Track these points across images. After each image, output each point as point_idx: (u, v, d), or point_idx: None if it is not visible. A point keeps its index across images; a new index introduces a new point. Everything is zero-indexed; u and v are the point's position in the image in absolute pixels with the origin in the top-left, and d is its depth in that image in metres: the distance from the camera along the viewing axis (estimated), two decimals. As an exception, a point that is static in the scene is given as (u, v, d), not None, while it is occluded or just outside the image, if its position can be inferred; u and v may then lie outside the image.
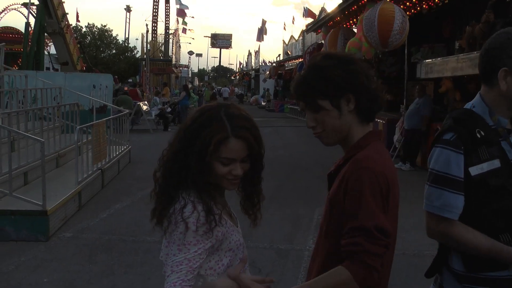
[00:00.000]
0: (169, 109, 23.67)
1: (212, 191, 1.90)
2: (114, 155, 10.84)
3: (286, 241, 6.51)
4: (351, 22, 16.26)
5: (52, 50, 24.91)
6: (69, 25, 21.97)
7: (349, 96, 1.96)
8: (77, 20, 29.74)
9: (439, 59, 12.27)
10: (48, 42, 25.32)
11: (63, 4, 20.94)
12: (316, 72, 1.99)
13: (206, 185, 1.86)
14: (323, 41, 17.65)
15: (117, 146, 11.46)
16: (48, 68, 27.96)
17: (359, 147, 1.99)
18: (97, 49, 50.52)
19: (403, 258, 6.00)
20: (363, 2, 13.03)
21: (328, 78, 1.95)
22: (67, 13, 21.34)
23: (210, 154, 1.81)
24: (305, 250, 6.18)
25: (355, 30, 15.53)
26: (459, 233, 2.05)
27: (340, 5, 15.14)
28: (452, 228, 2.06)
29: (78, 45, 24.32)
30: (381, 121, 14.16)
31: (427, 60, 12.86)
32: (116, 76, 28.88)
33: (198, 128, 1.86)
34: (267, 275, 5.12)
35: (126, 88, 31.01)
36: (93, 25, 52.56)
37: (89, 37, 50.74)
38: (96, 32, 51.80)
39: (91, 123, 9.49)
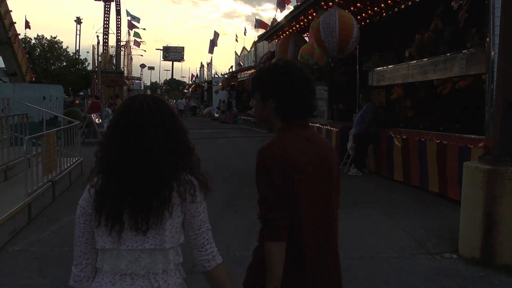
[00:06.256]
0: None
1: None
2: (65, 166, 10.57)
3: (242, 248, 6.42)
4: (302, 29, 16.38)
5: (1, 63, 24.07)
6: (16, 34, 21.40)
7: (270, 99, 2.57)
8: (27, 27, 28.90)
9: (390, 66, 12.50)
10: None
11: (11, 13, 20.42)
12: (260, 72, 2.70)
13: None
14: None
15: (68, 158, 11.20)
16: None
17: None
18: (47, 62, 49.46)
19: (360, 261, 6.03)
20: (312, 10, 13.21)
21: (263, 81, 2.63)
22: (15, 23, 20.80)
23: None
24: (261, 257, 6.12)
25: (306, 38, 15.68)
26: None
27: (291, 12, 15.27)
28: None
29: (27, 56, 23.73)
30: (334, 129, 14.29)
31: (378, 68, 13.07)
32: (70, 88, 28.19)
33: (171, 112, 2.18)
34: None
35: (77, 102, 30.49)
36: (43, 36, 51.49)
37: (38, 49, 49.63)
38: (45, 44, 50.70)
39: (41, 133, 9.24)
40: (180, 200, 2.09)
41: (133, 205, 2.04)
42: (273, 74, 2.57)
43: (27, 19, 28.76)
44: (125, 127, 2.08)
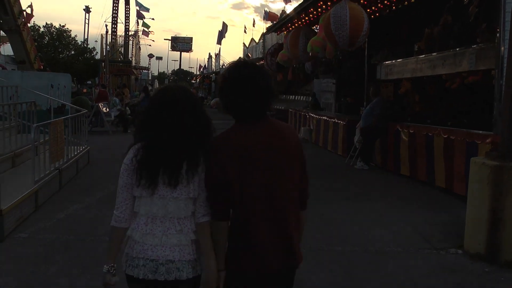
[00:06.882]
0: (128, 111, 23.15)
1: None
2: (73, 155, 10.61)
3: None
4: (311, 21, 16.30)
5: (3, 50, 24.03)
6: (26, 22, 21.42)
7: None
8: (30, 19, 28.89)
9: (398, 60, 12.44)
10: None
11: (20, 1, 20.44)
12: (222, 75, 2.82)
13: None
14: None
15: (76, 147, 11.23)
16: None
17: None
18: (55, 50, 49.40)
19: (365, 255, 6.03)
20: (321, 3, 13.15)
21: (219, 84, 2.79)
22: (24, 10, 20.83)
23: None
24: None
25: (316, 30, 15.61)
26: None
27: (300, 4, 15.21)
28: None
29: (35, 44, 23.76)
30: (341, 122, 14.26)
31: (386, 62, 13.01)
32: (75, 78, 28.22)
33: (198, 100, 2.79)
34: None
35: (84, 90, 30.46)
36: (51, 25, 51.37)
37: (47, 37, 49.58)
38: (54, 33, 50.61)
39: (49, 121, 9.27)
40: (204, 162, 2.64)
41: (166, 167, 2.60)
42: (223, 80, 2.76)
43: (31, 12, 28.98)
44: (163, 113, 2.62)
